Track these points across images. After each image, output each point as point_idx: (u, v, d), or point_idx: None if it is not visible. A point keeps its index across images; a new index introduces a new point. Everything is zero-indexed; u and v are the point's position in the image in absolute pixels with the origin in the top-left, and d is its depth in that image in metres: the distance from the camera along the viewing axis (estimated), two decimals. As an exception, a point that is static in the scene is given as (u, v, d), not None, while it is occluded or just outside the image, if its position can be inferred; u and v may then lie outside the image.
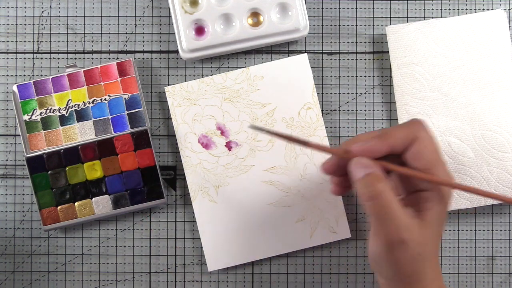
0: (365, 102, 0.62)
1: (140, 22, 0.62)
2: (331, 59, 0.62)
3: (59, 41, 0.62)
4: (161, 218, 0.61)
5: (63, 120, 0.60)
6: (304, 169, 0.60)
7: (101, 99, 0.60)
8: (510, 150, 0.59)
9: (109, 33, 0.62)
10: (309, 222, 0.60)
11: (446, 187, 0.45)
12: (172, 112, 0.60)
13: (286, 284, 0.61)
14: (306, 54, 0.61)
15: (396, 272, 0.43)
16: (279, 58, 0.61)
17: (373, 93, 0.62)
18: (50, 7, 0.62)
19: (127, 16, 0.62)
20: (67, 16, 0.62)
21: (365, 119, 0.61)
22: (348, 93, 0.62)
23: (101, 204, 0.60)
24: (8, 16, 0.62)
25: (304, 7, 0.60)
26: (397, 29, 0.60)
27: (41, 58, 0.62)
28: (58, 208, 0.59)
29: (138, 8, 0.62)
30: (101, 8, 0.62)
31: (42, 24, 0.62)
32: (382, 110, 0.62)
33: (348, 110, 0.62)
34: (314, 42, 0.62)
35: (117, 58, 0.62)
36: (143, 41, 0.62)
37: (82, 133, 0.60)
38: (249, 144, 0.60)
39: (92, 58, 0.62)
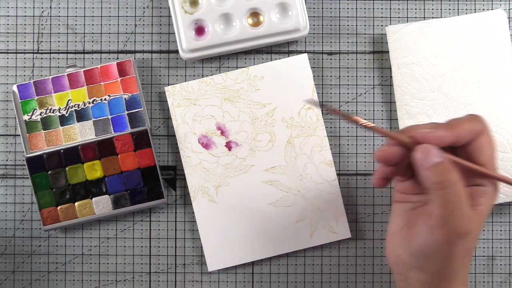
0: (365, 102, 0.62)
1: (140, 22, 0.62)
2: (331, 59, 0.62)
3: (59, 41, 0.62)
4: (161, 218, 0.61)
5: (63, 120, 0.60)
6: (304, 169, 0.60)
7: (101, 99, 0.60)
8: (510, 150, 0.59)
9: (109, 33, 0.62)
10: (309, 222, 0.60)
11: (499, 184, 0.45)
12: (172, 112, 0.60)
13: (286, 284, 0.61)
14: (306, 54, 0.61)
15: (446, 265, 0.43)
16: (279, 58, 0.61)
17: (373, 93, 0.62)
18: (50, 7, 0.62)
19: (127, 16, 0.62)
20: (67, 16, 0.62)
21: (365, 119, 0.61)
22: (348, 93, 0.62)
23: (101, 204, 0.60)
24: (8, 16, 0.62)
25: (304, 7, 0.60)
26: (397, 29, 0.60)
27: (41, 58, 0.62)
28: (58, 208, 0.59)
29: (138, 8, 0.62)
30: (101, 8, 0.62)
31: (42, 24, 0.62)
32: (382, 110, 0.62)
33: (348, 110, 0.62)
34: (314, 42, 0.62)
35: (117, 58, 0.62)
36: (143, 41, 0.62)
37: (82, 133, 0.60)
38: (249, 144, 0.60)
39: (92, 58, 0.62)
